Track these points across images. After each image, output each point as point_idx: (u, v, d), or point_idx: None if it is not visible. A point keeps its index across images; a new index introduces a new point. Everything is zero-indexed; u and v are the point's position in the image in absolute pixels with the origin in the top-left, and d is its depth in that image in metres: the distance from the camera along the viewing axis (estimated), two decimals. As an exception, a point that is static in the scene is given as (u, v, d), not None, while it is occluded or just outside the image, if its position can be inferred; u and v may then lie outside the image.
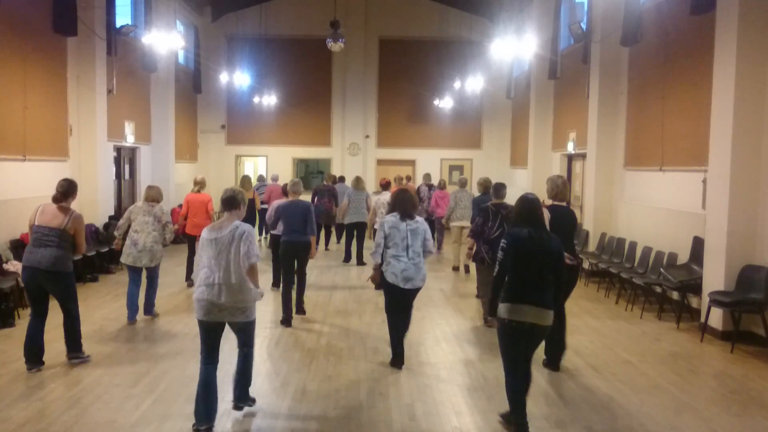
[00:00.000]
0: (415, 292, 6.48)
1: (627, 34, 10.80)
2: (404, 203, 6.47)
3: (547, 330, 4.94)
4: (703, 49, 8.64)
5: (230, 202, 4.99)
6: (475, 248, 8.27)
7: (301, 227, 8.09)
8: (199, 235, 5.16)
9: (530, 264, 4.84)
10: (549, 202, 6.56)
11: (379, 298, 9.80)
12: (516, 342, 4.87)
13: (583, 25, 12.57)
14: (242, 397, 5.22)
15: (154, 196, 8.16)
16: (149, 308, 8.27)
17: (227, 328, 4.98)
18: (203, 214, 10.21)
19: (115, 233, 8.32)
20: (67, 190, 6.26)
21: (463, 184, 12.52)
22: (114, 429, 4.88)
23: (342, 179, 16.31)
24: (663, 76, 10.06)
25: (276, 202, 8.96)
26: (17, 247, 9.27)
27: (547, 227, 5.41)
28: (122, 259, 8.03)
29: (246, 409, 5.26)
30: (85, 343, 6.98)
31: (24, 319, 8.04)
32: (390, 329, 6.59)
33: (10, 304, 7.93)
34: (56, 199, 6.22)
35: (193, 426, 4.82)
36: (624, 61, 11.60)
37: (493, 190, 8.56)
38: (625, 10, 10.81)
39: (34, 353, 6.20)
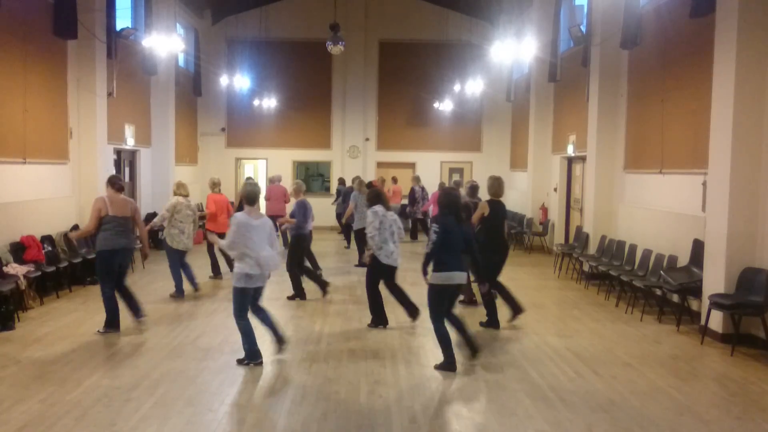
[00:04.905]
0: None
1: (627, 37, 10.81)
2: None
3: (462, 287, 6.68)
4: (703, 51, 8.64)
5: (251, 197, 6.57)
6: None
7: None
8: (224, 232, 7.19)
9: (454, 242, 6.40)
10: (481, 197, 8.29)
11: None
12: (444, 300, 6.47)
13: (583, 28, 12.56)
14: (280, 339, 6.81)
15: (187, 191, 9.88)
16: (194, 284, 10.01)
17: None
18: (226, 213, 11.29)
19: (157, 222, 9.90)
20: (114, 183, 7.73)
21: (440, 187, 14.20)
22: (114, 432, 4.88)
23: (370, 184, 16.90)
24: (663, 79, 10.07)
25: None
26: (17, 249, 9.26)
27: (476, 217, 7.98)
28: (175, 247, 9.58)
29: (243, 409, 5.33)
30: (85, 345, 7.03)
31: (24, 321, 8.07)
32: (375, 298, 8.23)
33: (10, 306, 7.91)
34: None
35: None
36: (624, 64, 11.61)
37: (469, 190, 9.81)
38: (625, 13, 10.82)
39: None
